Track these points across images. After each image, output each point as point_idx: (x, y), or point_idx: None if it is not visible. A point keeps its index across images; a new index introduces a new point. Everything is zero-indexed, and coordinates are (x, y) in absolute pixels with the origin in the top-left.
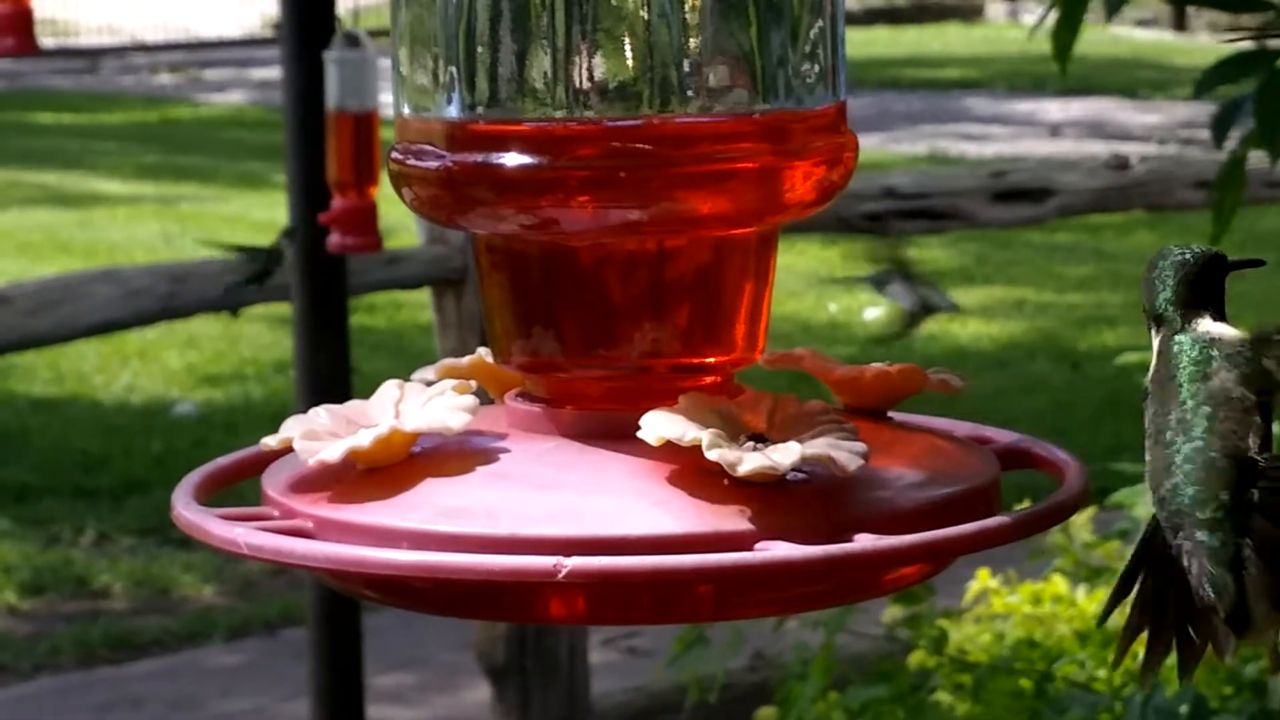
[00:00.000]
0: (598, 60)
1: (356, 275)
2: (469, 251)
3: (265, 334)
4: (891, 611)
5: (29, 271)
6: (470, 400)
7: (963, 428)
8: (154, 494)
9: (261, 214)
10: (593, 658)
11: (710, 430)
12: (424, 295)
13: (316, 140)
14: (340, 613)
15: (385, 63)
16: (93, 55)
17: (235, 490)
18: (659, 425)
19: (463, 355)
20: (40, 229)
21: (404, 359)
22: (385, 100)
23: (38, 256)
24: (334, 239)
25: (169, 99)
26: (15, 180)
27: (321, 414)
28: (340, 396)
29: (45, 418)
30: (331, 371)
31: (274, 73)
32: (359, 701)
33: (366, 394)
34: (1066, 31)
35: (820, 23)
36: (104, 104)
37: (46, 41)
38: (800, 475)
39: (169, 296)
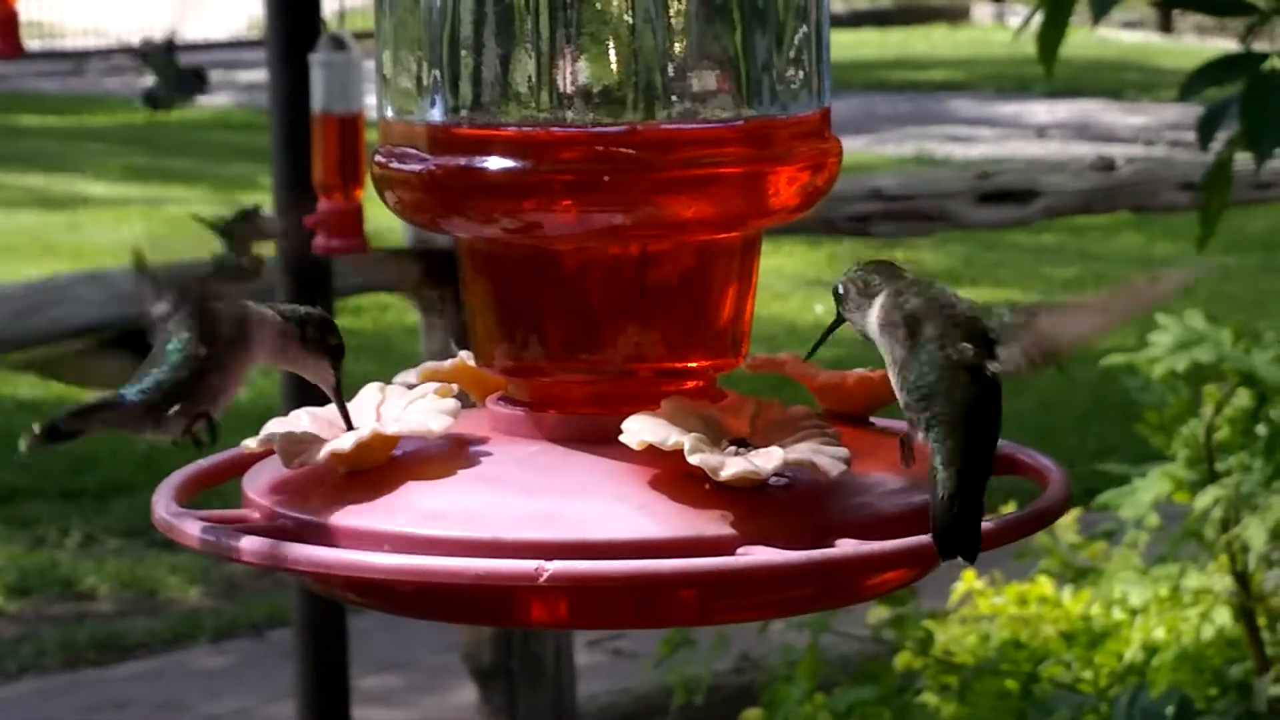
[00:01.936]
0: (582, 65)
1: (342, 277)
2: (456, 254)
3: None
4: (877, 613)
5: (15, 274)
6: (452, 404)
7: None
8: (140, 496)
9: None
10: (579, 659)
11: (692, 435)
12: None
13: (302, 142)
14: (326, 614)
15: (370, 65)
16: (78, 57)
17: (218, 491)
18: (641, 429)
19: (448, 358)
20: (26, 231)
21: (389, 361)
22: (371, 102)
23: (24, 259)
24: (319, 241)
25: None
26: (0, 183)
27: (303, 417)
28: (326, 399)
29: (32, 419)
30: None
31: (260, 75)
32: (344, 703)
33: (351, 396)
34: (1052, 33)
35: (804, 29)
36: (90, 106)
37: (32, 44)
38: (782, 480)
39: None
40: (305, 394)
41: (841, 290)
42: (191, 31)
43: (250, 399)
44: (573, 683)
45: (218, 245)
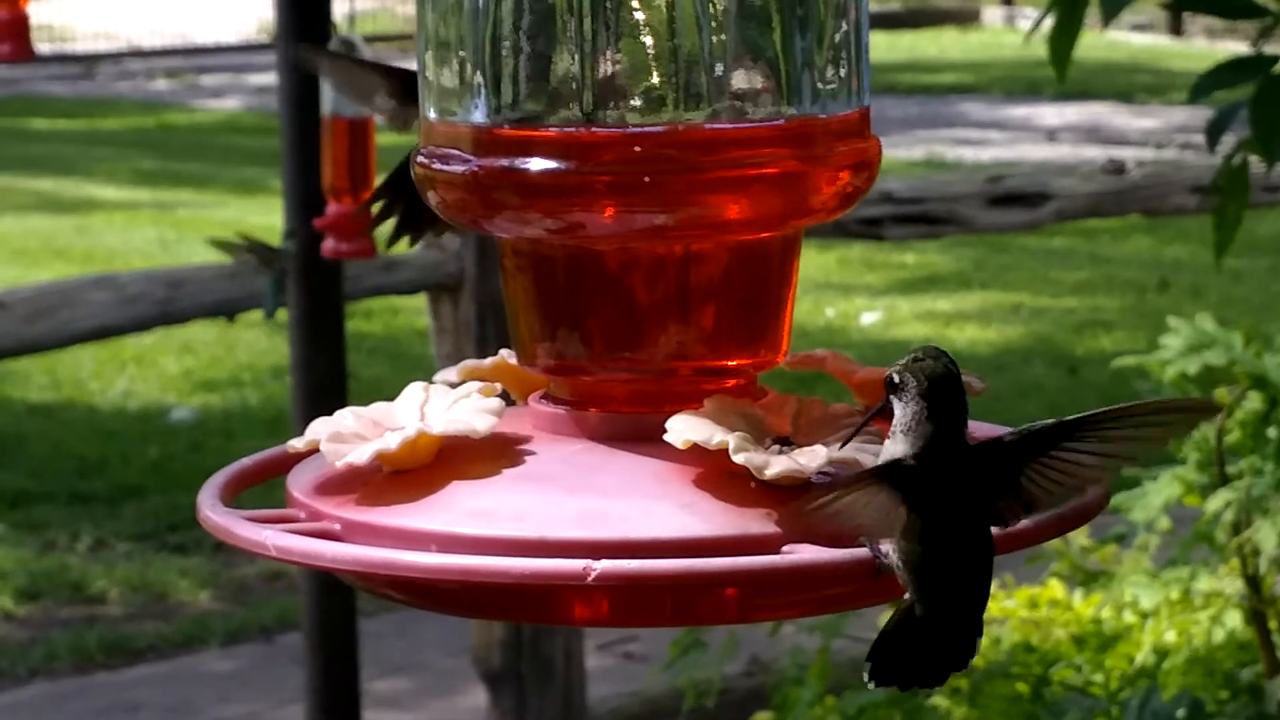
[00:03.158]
0: (623, 66)
1: (353, 281)
2: (464, 257)
3: (262, 339)
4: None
5: (25, 277)
6: (496, 403)
7: (979, 429)
8: (150, 499)
9: (258, 220)
10: (589, 662)
11: (737, 433)
12: (420, 301)
13: (312, 146)
14: (336, 618)
15: None
16: (89, 61)
17: (242, 494)
18: (685, 428)
19: (458, 360)
20: (36, 235)
21: (400, 364)
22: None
23: (34, 262)
24: (329, 245)
25: (165, 105)
26: (11, 186)
27: (348, 416)
28: (337, 402)
29: (42, 423)
30: (328, 377)
31: (270, 78)
32: (355, 707)
33: (363, 399)
34: (1064, 37)
35: (844, 27)
36: (100, 110)
37: (43, 47)
38: (826, 478)
39: (165, 302)
40: (317, 397)
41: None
42: (202, 35)
43: (260, 403)
44: (583, 686)
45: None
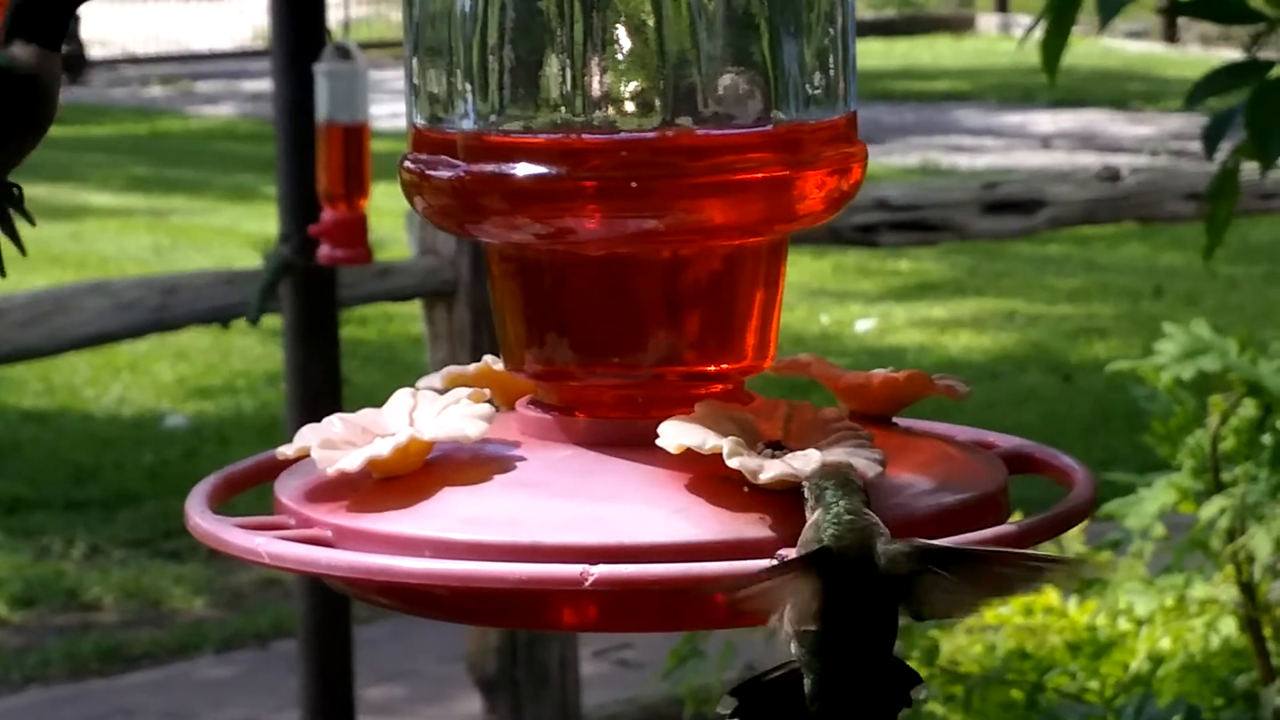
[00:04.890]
0: (611, 71)
1: (348, 287)
2: (460, 264)
3: (256, 346)
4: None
5: (19, 284)
6: (486, 408)
7: (965, 433)
8: (145, 506)
9: (252, 226)
10: (584, 669)
11: (730, 438)
12: (415, 307)
13: (307, 152)
14: (331, 624)
15: (375, 75)
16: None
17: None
18: (679, 433)
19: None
20: (30, 241)
21: (395, 371)
22: (375, 112)
23: (28, 269)
24: (324, 251)
25: (160, 111)
26: None
27: (336, 423)
28: (331, 409)
29: (36, 430)
30: (323, 384)
31: (265, 85)
32: (350, 713)
33: (357, 406)
34: (1055, 40)
35: (831, 33)
36: (94, 116)
37: None
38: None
39: (160, 309)
40: (311, 404)
41: (806, 492)
42: (196, 41)
43: (255, 409)
44: (578, 693)
45: None
